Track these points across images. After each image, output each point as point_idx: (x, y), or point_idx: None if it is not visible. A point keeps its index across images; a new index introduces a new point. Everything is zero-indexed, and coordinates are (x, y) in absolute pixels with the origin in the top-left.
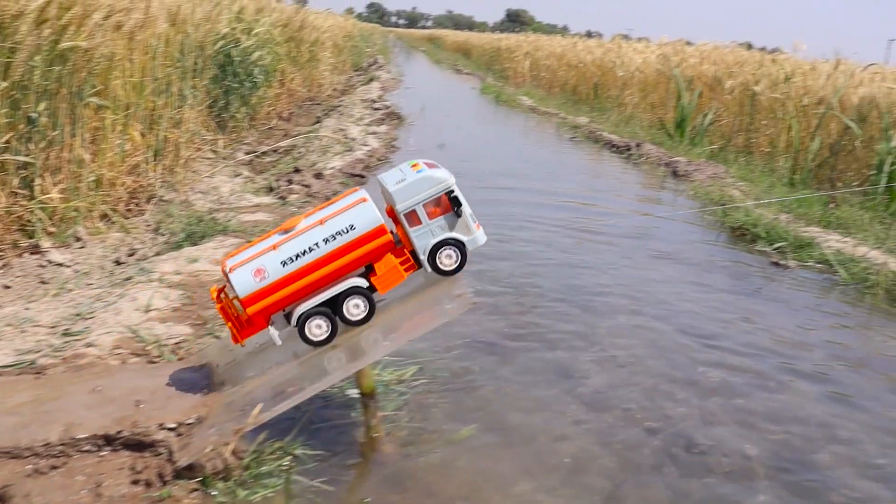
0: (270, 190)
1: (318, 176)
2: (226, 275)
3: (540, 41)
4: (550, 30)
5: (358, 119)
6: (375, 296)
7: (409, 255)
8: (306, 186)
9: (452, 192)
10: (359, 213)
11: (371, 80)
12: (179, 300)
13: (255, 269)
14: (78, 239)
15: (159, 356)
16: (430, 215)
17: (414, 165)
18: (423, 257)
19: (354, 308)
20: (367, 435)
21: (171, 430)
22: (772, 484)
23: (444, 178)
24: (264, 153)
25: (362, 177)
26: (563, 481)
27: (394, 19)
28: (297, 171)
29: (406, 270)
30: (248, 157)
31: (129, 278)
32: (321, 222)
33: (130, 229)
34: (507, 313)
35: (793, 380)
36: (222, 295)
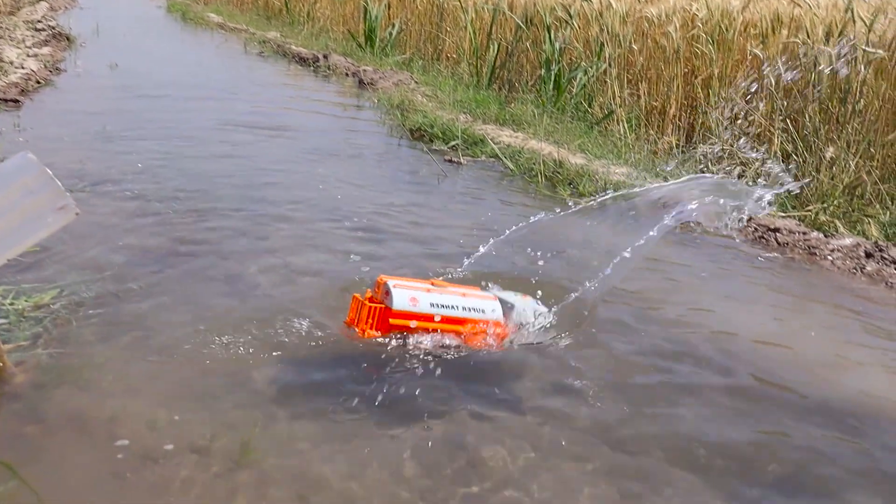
0: None
1: None
2: (385, 287)
3: None
4: None
5: (19, 41)
6: None
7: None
8: None
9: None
10: (490, 305)
11: None
12: None
13: (411, 296)
14: None
15: None
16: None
17: (524, 296)
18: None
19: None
20: None
21: None
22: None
23: (549, 315)
24: None
25: (17, 101)
26: (225, 390)
27: None
28: None
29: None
30: None
31: None
32: (464, 295)
33: None
34: (173, 226)
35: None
36: (365, 299)
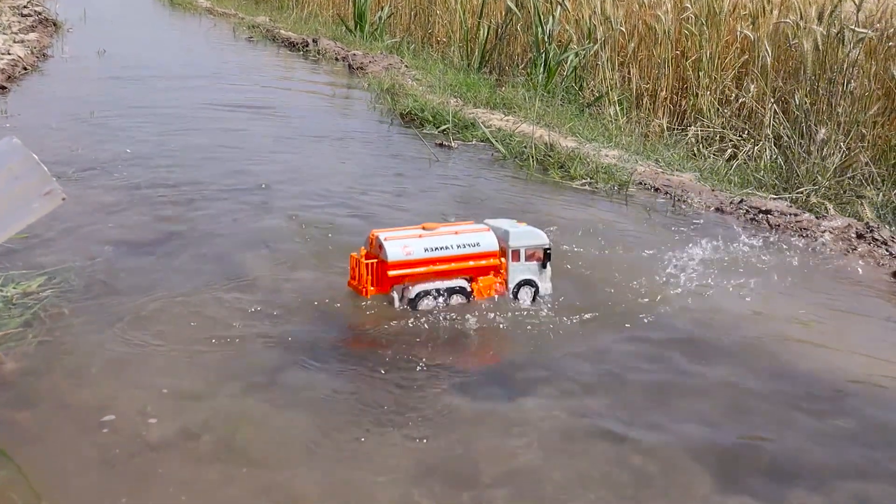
0: None
1: None
2: (377, 241)
3: None
4: None
5: (5, 27)
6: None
7: (503, 280)
8: None
9: (549, 250)
10: (484, 237)
11: None
12: None
13: (404, 244)
14: None
15: None
16: (528, 258)
17: (519, 222)
18: (510, 285)
19: (457, 299)
20: None
21: None
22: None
23: (545, 237)
24: None
25: (4, 88)
26: (216, 377)
27: None
28: None
29: (497, 290)
30: None
31: None
32: (456, 233)
33: None
34: (161, 211)
35: None
36: (361, 257)
